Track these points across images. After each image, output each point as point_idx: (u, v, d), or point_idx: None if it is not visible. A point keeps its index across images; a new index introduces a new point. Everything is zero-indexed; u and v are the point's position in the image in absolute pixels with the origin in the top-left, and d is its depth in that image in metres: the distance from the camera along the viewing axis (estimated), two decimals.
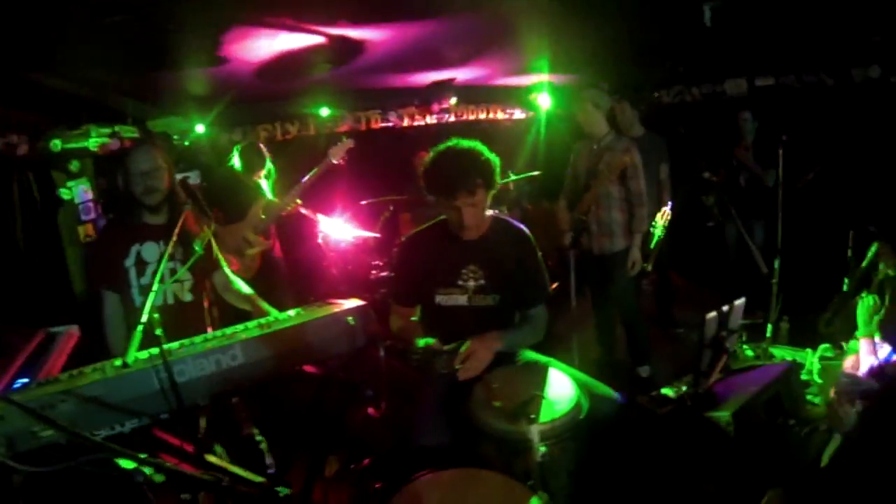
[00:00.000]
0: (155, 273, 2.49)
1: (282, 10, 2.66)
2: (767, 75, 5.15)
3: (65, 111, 3.85)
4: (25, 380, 1.83)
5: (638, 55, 4.58)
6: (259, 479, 1.99)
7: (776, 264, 3.92)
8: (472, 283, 2.44)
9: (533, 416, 1.69)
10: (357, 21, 2.98)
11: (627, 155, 3.66)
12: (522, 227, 2.55)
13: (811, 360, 3.16)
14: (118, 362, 1.76)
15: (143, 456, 1.31)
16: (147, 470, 1.36)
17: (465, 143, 2.36)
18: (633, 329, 4.12)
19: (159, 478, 1.30)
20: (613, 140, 3.83)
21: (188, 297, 2.73)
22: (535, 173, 5.66)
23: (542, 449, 1.63)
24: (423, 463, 1.83)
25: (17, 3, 2.06)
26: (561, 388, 2.02)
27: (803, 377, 3.08)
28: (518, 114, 6.89)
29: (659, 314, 5.07)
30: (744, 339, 3.68)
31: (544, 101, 6.20)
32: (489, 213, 2.50)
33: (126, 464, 1.39)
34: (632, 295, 4.09)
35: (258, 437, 2.92)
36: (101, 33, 2.45)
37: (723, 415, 2.45)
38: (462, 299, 2.45)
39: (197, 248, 2.48)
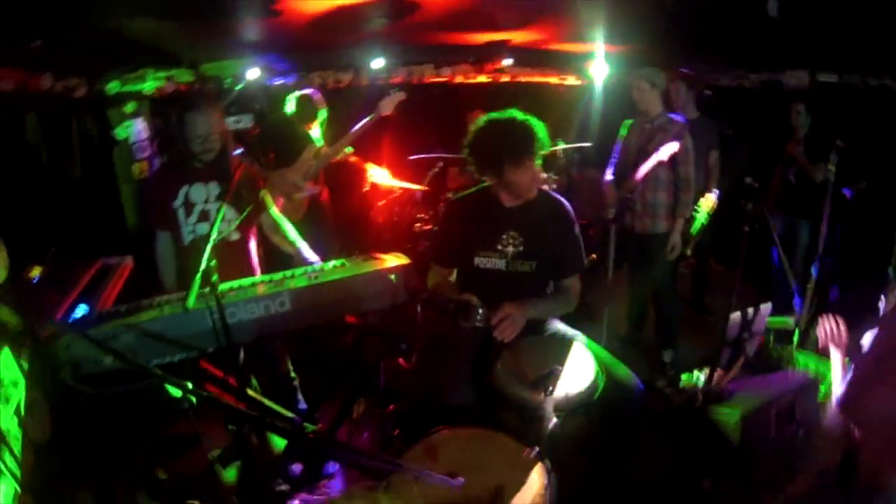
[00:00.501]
0: (203, 214, 2.67)
1: None
2: (831, 71, 4.95)
3: (121, 54, 3.96)
4: (85, 308, 1.99)
5: (698, 36, 4.47)
6: (290, 414, 2.18)
7: (814, 269, 3.85)
8: (511, 249, 2.51)
9: (550, 389, 1.79)
10: None
11: (679, 140, 3.64)
12: (563, 200, 2.61)
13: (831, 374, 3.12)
14: (175, 303, 1.91)
15: (190, 386, 1.46)
16: (192, 398, 1.51)
17: (510, 117, 2.42)
18: (664, 312, 4.14)
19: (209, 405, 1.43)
20: (667, 122, 3.80)
21: (235, 236, 2.86)
22: (586, 144, 5.64)
23: (554, 420, 1.73)
24: (444, 418, 1.95)
25: None
26: (582, 365, 2.11)
27: (822, 390, 2.98)
28: (572, 80, 6.80)
29: (692, 299, 5.07)
30: (772, 339, 3.65)
31: (599, 70, 6.11)
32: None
33: (175, 391, 1.54)
34: (667, 278, 4.09)
35: (292, 375, 3.11)
36: None
37: (732, 414, 2.50)
38: (500, 263, 2.53)
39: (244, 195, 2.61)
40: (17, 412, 1.31)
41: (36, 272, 2.31)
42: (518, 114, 2.45)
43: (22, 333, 1.42)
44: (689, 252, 4.01)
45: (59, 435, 1.50)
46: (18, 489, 1.25)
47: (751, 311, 2.66)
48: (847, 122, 4.26)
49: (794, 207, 4.56)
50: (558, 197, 2.62)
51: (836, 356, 2.33)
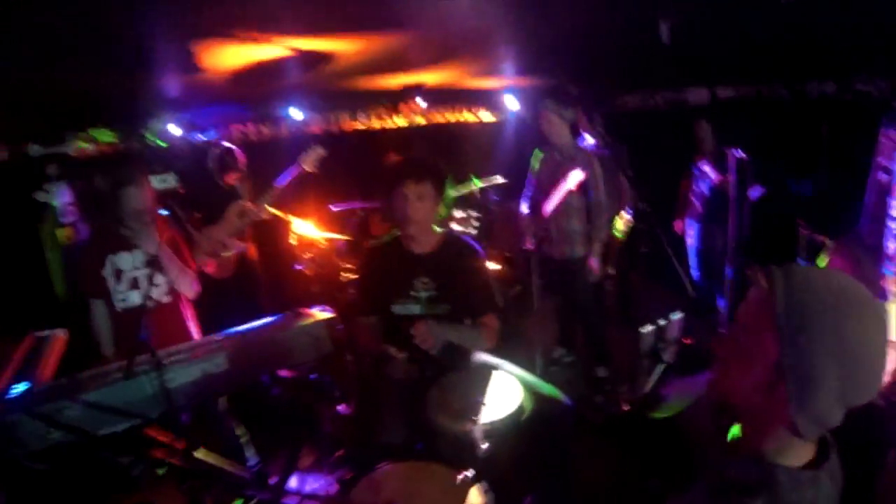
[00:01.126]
0: (133, 281, 2.74)
1: (249, 23, 2.77)
2: (728, 86, 5.40)
3: (43, 116, 3.98)
4: (25, 384, 2.01)
5: (600, 61, 4.80)
6: (241, 471, 2.25)
7: (728, 270, 4.17)
8: (423, 294, 2.62)
9: (475, 418, 1.95)
10: (324, 33, 3.12)
11: (587, 168, 3.90)
12: (471, 242, 2.74)
13: None
14: (117, 373, 1.97)
15: (137, 454, 1.54)
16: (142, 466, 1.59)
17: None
18: (593, 332, 4.34)
19: (160, 471, 1.52)
20: (575, 151, 4.05)
21: (166, 299, 2.95)
22: (500, 180, 5.92)
23: (483, 446, 1.89)
24: (384, 456, 2.07)
25: None
26: (507, 391, 2.27)
27: None
28: (486, 116, 7.12)
29: (620, 314, 5.29)
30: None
31: (511, 104, 6.45)
32: (438, 229, 2.72)
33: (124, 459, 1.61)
34: (591, 299, 4.26)
35: (240, 433, 3.16)
36: (79, 38, 2.56)
37: (664, 416, 2.70)
38: (416, 308, 2.63)
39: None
40: None
41: None
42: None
43: None
44: (611, 271, 4.27)
45: None
46: None
47: (662, 322, 2.89)
48: (747, 132, 4.60)
49: (708, 216, 4.95)
50: (466, 240, 2.75)
51: None
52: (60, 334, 2.88)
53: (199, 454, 2.00)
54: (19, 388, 1.97)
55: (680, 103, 5.79)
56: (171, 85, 3.85)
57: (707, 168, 4.91)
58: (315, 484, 3.04)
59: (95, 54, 2.89)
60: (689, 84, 5.68)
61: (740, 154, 4.14)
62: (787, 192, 4.77)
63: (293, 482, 2.98)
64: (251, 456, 3.14)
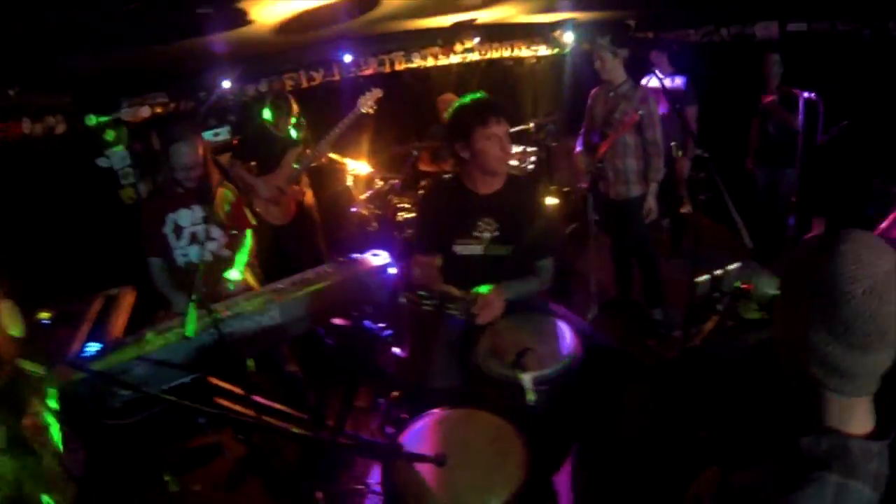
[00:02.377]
0: (192, 236, 2.84)
1: None
2: (800, 20, 4.99)
3: (96, 86, 4.10)
4: (98, 345, 2.16)
5: None
6: (301, 414, 2.36)
7: (790, 220, 3.97)
8: (487, 235, 2.64)
9: (526, 365, 1.97)
10: None
11: (643, 106, 3.76)
12: (535, 184, 2.74)
13: None
14: (178, 331, 2.09)
15: (201, 404, 1.64)
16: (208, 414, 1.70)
17: (474, 94, 2.61)
18: (648, 273, 4.27)
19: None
20: (630, 89, 3.90)
21: (226, 253, 3.05)
22: (552, 118, 5.77)
23: (531, 396, 1.91)
24: (438, 400, 2.12)
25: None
26: (559, 340, 2.28)
27: None
28: (543, 51, 6.88)
29: (678, 255, 5.14)
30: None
31: (568, 38, 6.20)
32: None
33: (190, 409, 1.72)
34: (647, 240, 4.20)
35: (299, 375, 3.31)
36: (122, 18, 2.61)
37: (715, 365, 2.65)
38: (478, 249, 2.66)
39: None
40: (55, 452, 1.48)
41: (45, 315, 2.46)
42: (483, 94, 2.62)
43: (46, 378, 1.59)
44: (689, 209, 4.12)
45: (94, 466, 1.68)
46: None
47: (719, 271, 2.81)
48: (818, 70, 4.32)
49: (775, 158, 4.66)
50: (528, 180, 2.76)
51: None
52: (128, 291, 3.06)
53: (259, 399, 2.12)
54: (93, 347, 2.12)
55: (747, 37, 5.38)
56: (221, 40, 3.86)
57: (774, 107, 4.59)
58: (370, 426, 3.17)
59: (147, 18, 2.91)
60: (757, 17, 5.25)
61: (810, 95, 3.84)
62: (860, 137, 4.38)
63: (348, 424, 3.10)
64: (309, 398, 3.29)
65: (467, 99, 2.58)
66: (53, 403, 1.58)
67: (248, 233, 3.15)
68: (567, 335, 2.31)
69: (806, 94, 3.80)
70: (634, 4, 5.18)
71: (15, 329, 1.54)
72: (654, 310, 4.24)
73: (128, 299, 2.83)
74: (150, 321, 2.65)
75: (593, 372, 2.33)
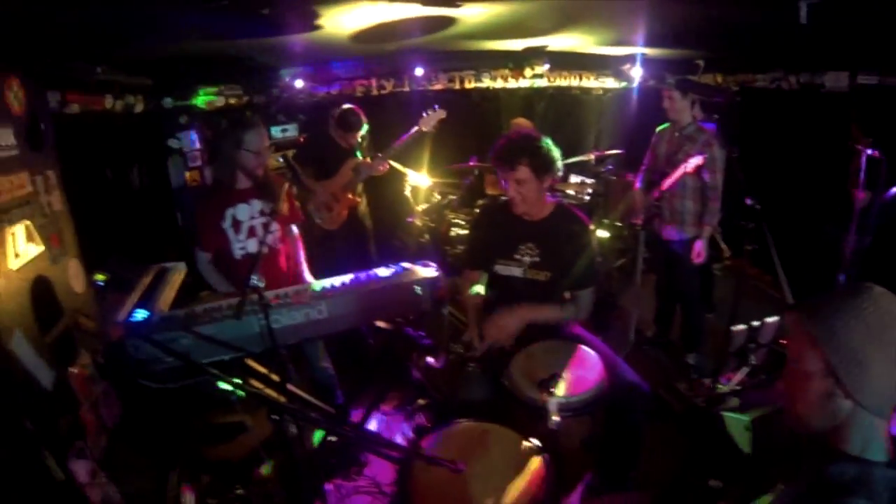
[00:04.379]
0: (251, 230, 2.93)
1: None
2: (870, 73, 4.82)
3: (175, 71, 4.31)
4: (146, 312, 2.25)
5: (732, 37, 4.47)
6: (327, 407, 2.43)
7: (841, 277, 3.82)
8: (527, 259, 2.71)
9: (553, 390, 1.97)
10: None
11: (707, 149, 3.74)
12: (583, 216, 2.76)
13: None
14: (227, 311, 2.17)
15: (238, 381, 1.71)
16: (240, 392, 1.76)
17: (527, 132, 2.68)
18: (690, 316, 4.21)
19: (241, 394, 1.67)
20: (696, 130, 3.88)
21: (280, 245, 3.13)
22: (618, 151, 5.75)
23: (556, 419, 1.91)
24: (464, 412, 2.16)
25: None
26: (589, 368, 2.28)
27: None
28: (611, 83, 6.87)
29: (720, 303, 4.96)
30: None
31: (636, 73, 6.18)
32: (550, 198, 2.76)
33: (225, 386, 1.79)
34: (694, 283, 4.14)
35: (331, 371, 3.37)
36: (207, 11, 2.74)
37: (743, 418, 2.60)
38: (517, 271, 2.73)
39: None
40: (94, 402, 1.57)
41: (101, 277, 2.58)
42: (537, 135, 2.66)
43: (97, 335, 1.69)
44: (728, 253, 4.06)
45: (128, 422, 1.77)
46: (94, 466, 1.51)
47: (756, 323, 2.76)
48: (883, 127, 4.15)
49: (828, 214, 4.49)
50: (580, 214, 2.77)
51: None
52: (180, 268, 3.18)
53: (292, 388, 2.19)
54: (141, 314, 2.22)
55: (816, 87, 5.22)
56: (297, 42, 4.00)
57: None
58: (393, 428, 3.21)
59: (223, 22, 3.02)
60: (826, 67, 5.10)
61: (873, 152, 3.69)
62: None
63: (373, 424, 3.15)
64: (338, 396, 3.35)
65: (502, 140, 2.65)
66: (100, 358, 1.68)
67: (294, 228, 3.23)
68: (597, 366, 2.32)
69: (869, 151, 3.66)
70: (704, 45, 5.13)
71: (78, 285, 1.65)
72: (690, 354, 4.17)
73: (179, 276, 2.94)
74: (195, 300, 2.75)
75: (618, 406, 2.32)
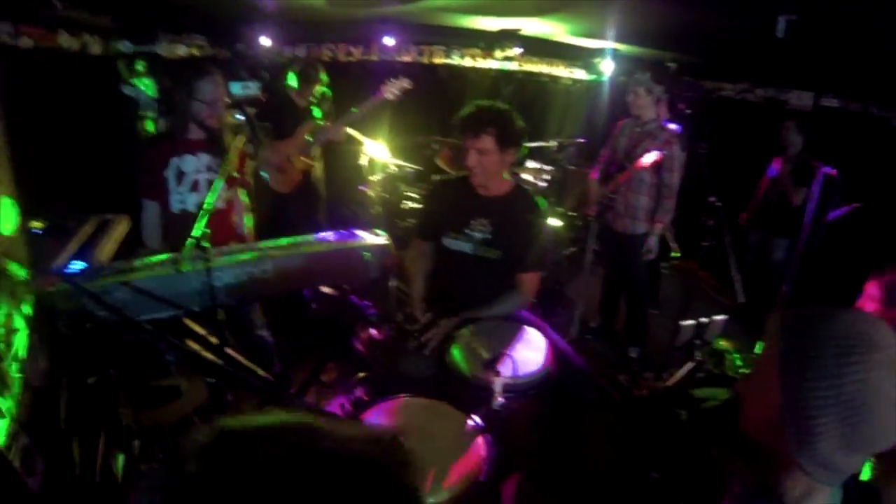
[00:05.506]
0: (194, 183, 2.80)
1: None
2: (834, 97, 4.99)
3: (137, 14, 4.10)
4: (83, 263, 2.13)
5: (706, 43, 4.53)
6: (265, 374, 2.36)
7: (785, 287, 3.93)
8: (478, 235, 2.69)
9: (498, 370, 1.97)
10: None
11: (666, 148, 3.78)
12: (537, 201, 2.75)
13: None
14: (167, 265, 2.08)
15: (175, 341, 1.64)
16: (176, 353, 1.69)
17: (499, 103, 2.61)
18: (635, 310, 4.29)
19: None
20: (657, 128, 3.91)
21: (222, 205, 2.92)
22: (580, 140, 5.78)
23: (500, 399, 1.91)
24: (406, 388, 2.13)
25: None
26: (534, 351, 2.28)
27: None
28: (581, 74, 6.90)
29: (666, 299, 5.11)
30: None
31: (607, 67, 6.22)
32: (507, 177, 2.75)
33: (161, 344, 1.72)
34: (642, 278, 4.21)
35: (270, 339, 3.29)
36: None
37: (681, 412, 2.68)
38: (467, 247, 2.71)
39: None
40: (17, 357, 1.47)
41: (37, 225, 2.43)
42: (503, 104, 2.62)
43: (25, 283, 1.58)
44: (678, 254, 4.16)
45: (55, 380, 1.67)
46: (16, 428, 1.42)
47: (705, 320, 2.82)
48: (840, 149, 4.25)
49: (772, 225, 4.65)
50: (532, 195, 2.77)
51: None
52: (123, 220, 3.03)
53: (229, 352, 2.12)
54: (77, 264, 2.10)
55: (780, 102, 5.38)
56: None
57: (784, 177, 4.53)
58: (332, 400, 3.18)
59: None
60: (794, 85, 5.25)
61: (830, 170, 3.79)
62: (871, 220, 4.29)
63: (311, 395, 3.09)
64: (276, 363, 3.28)
65: (469, 107, 2.60)
66: (28, 309, 1.58)
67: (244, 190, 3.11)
68: (544, 349, 2.32)
69: (826, 169, 3.77)
70: (677, 48, 5.19)
71: (7, 227, 1.54)
72: (632, 348, 4.26)
73: (121, 228, 2.78)
74: (135, 256, 2.62)
75: (562, 390, 2.34)
